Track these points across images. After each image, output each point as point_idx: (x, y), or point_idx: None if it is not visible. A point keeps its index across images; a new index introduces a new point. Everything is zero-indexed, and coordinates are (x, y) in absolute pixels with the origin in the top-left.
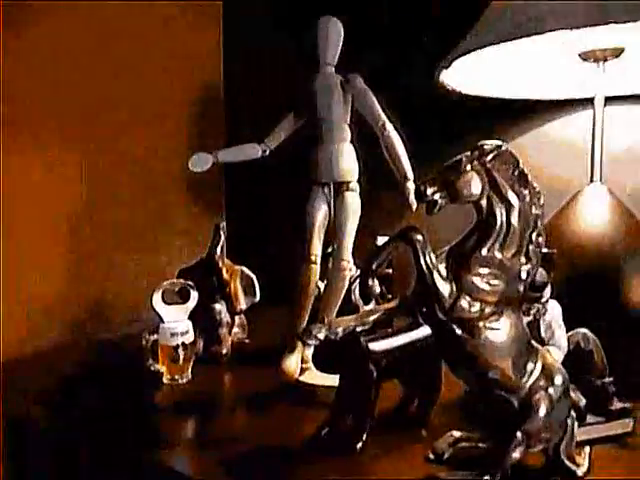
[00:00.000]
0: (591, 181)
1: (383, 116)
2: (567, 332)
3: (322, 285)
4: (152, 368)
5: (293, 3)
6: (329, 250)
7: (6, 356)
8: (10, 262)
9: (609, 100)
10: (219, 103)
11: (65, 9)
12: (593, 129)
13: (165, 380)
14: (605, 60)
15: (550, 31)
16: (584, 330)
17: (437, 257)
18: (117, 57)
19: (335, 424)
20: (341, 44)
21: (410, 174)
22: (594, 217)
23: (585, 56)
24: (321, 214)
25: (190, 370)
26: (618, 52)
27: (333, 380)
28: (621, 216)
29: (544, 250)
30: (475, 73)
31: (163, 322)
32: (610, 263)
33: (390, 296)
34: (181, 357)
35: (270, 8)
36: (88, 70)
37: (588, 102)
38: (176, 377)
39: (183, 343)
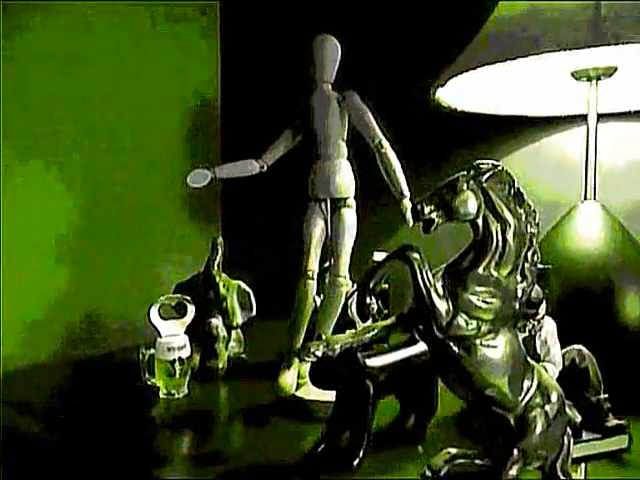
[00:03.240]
0: (585, 198)
1: (379, 133)
2: (562, 348)
3: (319, 300)
4: (148, 383)
5: (291, 20)
6: (326, 265)
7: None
8: (5, 277)
9: (602, 117)
10: (216, 119)
11: (60, 18)
12: (587, 146)
13: (161, 395)
14: (598, 79)
15: (545, 52)
16: (579, 346)
17: (434, 275)
18: (115, 70)
19: (332, 440)
20: (338, 62)
21: (406, 191)
22: (588, 234)
23: (577, 75)
24: (318, 230)
25: (186, 385)
26: (611, 71)
27: (330, 396)
28: (615, 233)
29: (539, 266)
30: (470, 90)
31: (160, 336)
32: (604, 280)
33: (387, 311)
34: (177, 372)
35: (268, 25)
36: (85, 83)
37: (582, 119)
38: (172, 392)
39: (180, 358)
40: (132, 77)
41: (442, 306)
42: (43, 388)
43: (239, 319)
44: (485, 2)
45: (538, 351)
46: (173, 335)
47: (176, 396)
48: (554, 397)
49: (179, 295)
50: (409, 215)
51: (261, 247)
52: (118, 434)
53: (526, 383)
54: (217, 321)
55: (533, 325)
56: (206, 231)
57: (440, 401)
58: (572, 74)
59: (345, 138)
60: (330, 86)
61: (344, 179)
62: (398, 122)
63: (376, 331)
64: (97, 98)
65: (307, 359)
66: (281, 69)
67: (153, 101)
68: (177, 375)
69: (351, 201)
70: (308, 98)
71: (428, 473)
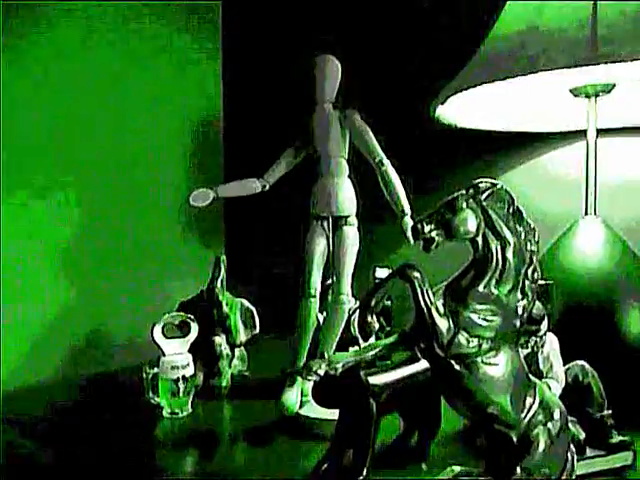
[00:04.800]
0: (586, 214)
1: (380, 152)
2: (564, 364)
3: (321, 317)
4: (152, 401)
5: (293, 39)
6: (328, 283)
7: (3, 387)
8: (7, 294)
9: (602, 132)
10: (218, 137)
11: (62, 29)
12: (587, 162)
13: (165, 414)
14: (597, 95)
15: (543, 70)
16: (582, 362)
17: (434, 293)
18: (117, 88)
19: (335, 458)
20: (339, 81)
21: (407, 209)
22: (589, 249)
23: (576, 92)
24: (320, 248)
25: (190, 403)
26: (609, 88)
27: (333, 414)
28: (616, 248)
29: (541, 282)
30: (469, 107)
31: (164, 355)
32: (606, 295)
33: (389, 328)
34: (181, 390)
35: (270, 43)
36: (87, 100)
37: (581, 135)
38: (176, 410)
39: (183, 376)
40: (134, 95)
41: (443, 324)
42: (45, 406)
43: (242, 337)
44: (484, 20)
45: (541, 368)
46: (177, 354)
47: (180, 415)
48: (557, 414)
49: (182, 313)
50: (409, 233)
51: (264, 265)
52: (121, 453)
53: (528, 400)
54: (220, 339)
55: (535, 342)
56: (210, 249)
57: (444, 418)
58: (571, 91)
59: (346, 156)
60: (331, 105)
61: (346, 197)
62: (398, 139)
63: (378, 349)
64: (98, 116)
65: (310, 378)
66: (283, 88)
67: (156, 119)
68: (181, 394)
69: (353, 219)
70: (309, 117)
71: None
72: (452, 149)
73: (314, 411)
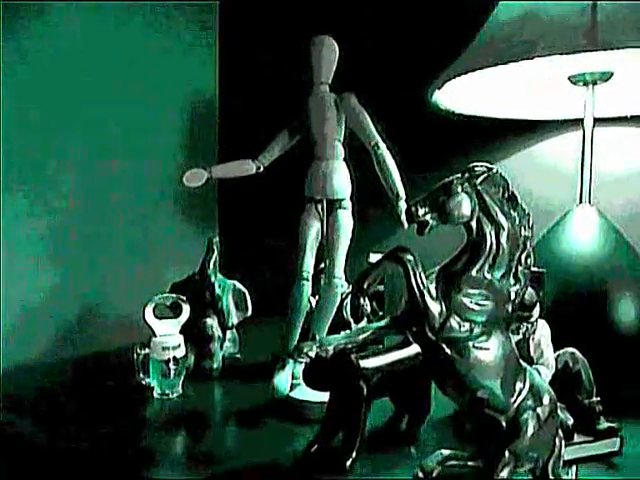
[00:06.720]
0: (580, 202)
1: (376, 135)
2: (555, 351)
3: (314, 301)
4: (143, 382)
5: (290, 21)
6: (321, 266)
7: None
8: None
9: (599, 121)
10: (213, 118)
11: (57, 20)
12: (583, 150)
13: (156, 394)
14: (595, 84)
15: (540, 56)
16: (572, 350)
17: (427, 277)
18: (112, 71)
19: (325, 441)
20: (335, 63)
21: (402, 193)
22: (583, 237)
23: (574, 80)
24: (313, 231)
25: (181, 385)
26: (607, 76)
27: (324, 397)
28: (609, 236)
29: (533, 269)
30: (466, 93)
31: (155, 336)
32: (598, 283)
33: (381, 313)
34: (172, 371)
35: (266, 25)
36: (82, 82)
37: (578, 123)
38: (167, 392)
39: (174, 357)
40: (130, 76)
41: (435, 308)
42: (35, 387)
43: (234, 319)
44: (482, 6)
45: (531, 354)
46: (168, 335)
47: (170, 396)
48: (546, 399)
49: (174, 294)
50: (403, 217)
51: (257, 247)
52: (111, 433)
53: (518, 385)
54: (212, 321)
55: (527, 328)
56: (203, 231)
57: (433, 403)
58: (569, 79)
59: (342, 139)
60: (327, 87)
61: (340, 180)
62: (394, 124)
63: (370, 332)
64: (93, 97)
65: (300, 359)
66: (279, 69)
67: (151, 100)
68: (171, 375)
69: (347, 202)
70: (305, 99)
71: (420, 474)
72: (448, 135)
73: (305, 394)
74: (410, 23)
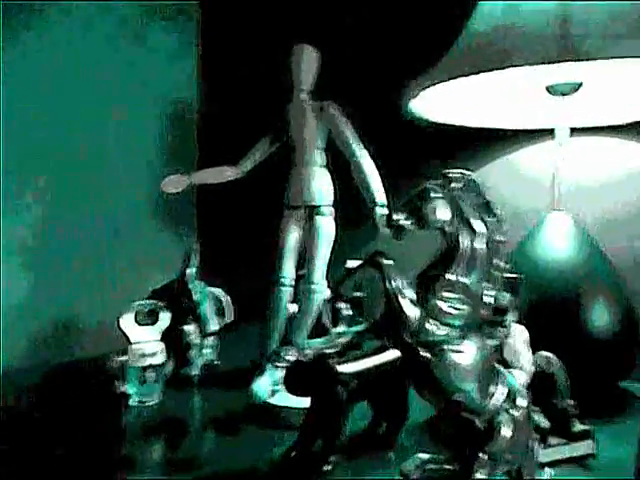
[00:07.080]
0: (554, 209)
1: (355, 143)
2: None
3: (294, 307)
4: (120, 390)
5: (271, 28)
6: (301, 272)
7: None
8: None
9: (573, 131)
10: (193, 124)
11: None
12: (557, 159)
13: (133, 402)
14: (567, 94)
15: (514, 66)
16: (547, 353)
17: (409, 282)
18: (90, 75)
19: (304, 446)
20: (316, 71)
21: (380, 200)
22: (557, 244)
23: (552, 90)
24: (293, 237)
25: (159, 392)
26: (576, 86)
27: (304, 403)
28: (582, 243)
29: (510, 275)
30: (442, 102)
31: (130, 343)
32: (572, 288)
33: (360, 319)
34: (150, 379)
35: (247, 32)
36: (61, 86)
37: (552, 132)
38: (144, 399)
39: (152, 364)
40: (108, 81)
41: (411, 311)
42: (12, 394)
43: (213, 326)
44: (458, 15)
45: (507, 357)
46: (146, 342)
47: (148, 403)
48: (521, 403)
49: (153, 301)
50: (380, 224)
51: (237, 253)
52: (88, 441)
53: (494, 388)
54: (191, 328)
55: (501, 332)
56: (182, 237)
57: (411, 408)
58: (547, 89)
59: (323, 146)
60: (308, 95)
61: (320, 187)
62: (370, 133)
63: (348, 337)
64: (71, 104)
65: (278, 364)
66: (260, 76)
67: (130, 106)
68: (149, 382)
69: (327, 209)
70: (286, 106)
71: (399, 478)
72: (424, 144)
73: (285, 400)
74: (386, 32)
